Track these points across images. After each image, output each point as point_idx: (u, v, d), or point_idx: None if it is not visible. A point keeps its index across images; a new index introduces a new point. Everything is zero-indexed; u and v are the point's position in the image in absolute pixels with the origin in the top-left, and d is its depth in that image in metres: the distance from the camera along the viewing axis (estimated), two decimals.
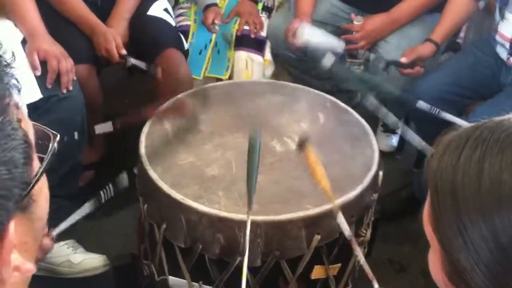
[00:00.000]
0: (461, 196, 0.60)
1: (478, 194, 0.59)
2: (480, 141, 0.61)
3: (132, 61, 1.91)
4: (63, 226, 1.20)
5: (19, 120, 0.51)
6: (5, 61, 0.51)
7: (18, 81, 0.52)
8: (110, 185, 1.32)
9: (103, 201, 1.29)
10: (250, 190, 1.17)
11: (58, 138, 0.57)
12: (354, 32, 2.13)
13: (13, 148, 0.49)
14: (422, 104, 1.66)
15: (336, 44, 1.99)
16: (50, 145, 0.57)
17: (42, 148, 0.56)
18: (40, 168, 0.54)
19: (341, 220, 1.20)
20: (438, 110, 1.60)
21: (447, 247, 0.63)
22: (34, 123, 0.56)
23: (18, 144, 0.49)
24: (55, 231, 1.16)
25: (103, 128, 1.51)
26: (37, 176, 0.53)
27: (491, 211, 0.58)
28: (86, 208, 1.26)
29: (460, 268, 0.61)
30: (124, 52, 1.92)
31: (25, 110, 1.59)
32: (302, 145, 1.25)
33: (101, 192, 1.30)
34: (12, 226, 0.49)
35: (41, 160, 0.55)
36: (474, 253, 0.60)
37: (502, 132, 0.61)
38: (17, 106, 0.51)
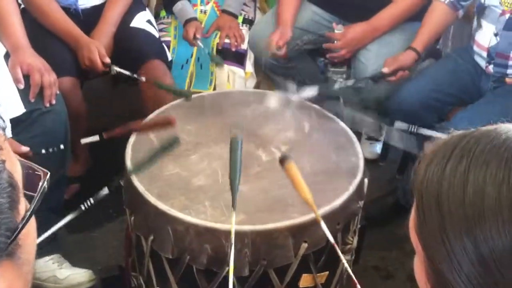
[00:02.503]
0: (446, 207, 0.60)
1: (462, 206, 0.59)
2: (465, 152, 0.61)
3: (116, 69, 1.92)
4: (43, 236, 1.20)
5: (2, 162, 0.47)
6: None
7: (3, 119, 0.49)
8: (91, 199, 1.33)
9: (83, 209, 1.30)
10: (234, 193, 1.19)
11: (48, 176, 0.54)
12: (335, 41, 2.16)
13: None
14: (399, 125, 1.67)
15: (307, 93, 1.81)
16: (40, 183, 0.53)
17: (30, 186, 0.53)
18: (27, 211, 0.50)
19: (325, 228, 1.21)
20: (416, 128, 1.60)
21: (431, 256, 0.63)
22: (22, 160, 0.53)
23: (1, 189, 0.46)
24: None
25: (89, 139, 1.52)
26: (25, 220, 0.49)
27: (474, 223, 0.58)
28: (66, 219, 1.27)
29: (443, 277, 0.61)
30: (108, 60, 1.93)
31: (8, 125, 1.58)
32: (283, 161, 1.26)
33: (82, 206, 1.31)
34: None
35: (28, 198, 0.52)
36: (456, 264, 0.60)
37: (488, 143, 0.61)
38: (0, 147, 0.48)
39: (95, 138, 1.50)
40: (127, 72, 1.91)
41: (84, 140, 1.53)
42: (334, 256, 1.33)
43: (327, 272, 1.40)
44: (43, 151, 1.44)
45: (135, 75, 1.90)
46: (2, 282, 0.47)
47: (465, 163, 0.60)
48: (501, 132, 0.62)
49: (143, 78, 1.90)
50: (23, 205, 0.51)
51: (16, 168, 0.51)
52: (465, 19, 2.11)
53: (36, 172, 0.54)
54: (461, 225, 0.59)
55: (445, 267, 0.61)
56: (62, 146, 1.58)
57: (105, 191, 1.35)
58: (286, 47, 2.11)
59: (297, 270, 1.32)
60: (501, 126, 0.64)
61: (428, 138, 1.73)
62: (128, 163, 1.41)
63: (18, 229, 0.48)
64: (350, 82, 1.90)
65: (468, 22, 2.09)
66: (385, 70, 1.96)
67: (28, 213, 0.50)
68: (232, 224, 1.17)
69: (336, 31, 2.15)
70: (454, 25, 2.26)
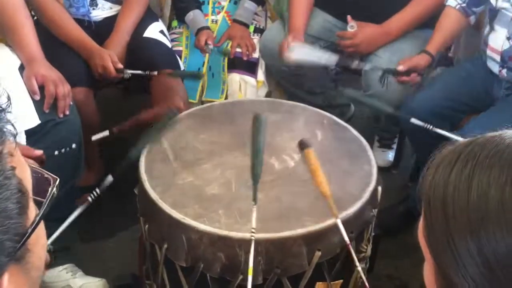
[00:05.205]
0: (451, 211, 0.62)
1: (467, 210, 0.60)
2: (470, 157, 0.63)
3: (129, 72, 1.94)
4: (55, 235, 1.21)
5: (13, 168, 0.48)
6: (0, 107, 0.49)
7: (14, 126, 0.50)
8: (96, 189, 1.34)
9: (91, 201, 1.34)
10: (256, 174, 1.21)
11: (57, 181, 0.55)
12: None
13: (6, 198, 0.47)
14: (415, 121, 1.67)
15: (328, 59, 2.02)
16: (50, 189, 0.54)
17: (40, 191, 0.54)
18: (37, 216, 0.51)
19: (339, 224, 1.21)
20: (431, 126, 1.61)
21: (439, 261, 0.64)
22: (33, 166, 0.54)
23: (11, 194, 0.47)
24: (48, 241, 1.16)
25: (99, 135, 1.52)
26: (34, 225, 0.50)
27: (478, 226, 0.59)
28: (76, 213, 1.28)
29: (451, 282, 0.62)
30: (120, 66, 1.95)
31: (23, 137, 1.59)
32: (302, 146, 1.26)
33: (89, 198, 1.34)
34: (5, 280, 0.47)
35: (38, 204, 0.53)
36: (462, 267, 0.60)
37: (492, 148, 0.63)
38: (11, 154, 0.49)
39: (105, 133, 1.50)
40: (139, 72, 1.94)
41: (94, 137, 1.53)
42: (348, 264, 1.33)
43: (341, 280, 1.39)
44: (56, 152, 1.44)
45: (147, 72, 1.94)
46: (9, 286, 0.48)
47: (469, 167, 0.62)
48: (505, 138, 0.64)
49: (155, 72, 1.93)
50: (32, 211, 0.51)
51: (26, 174, 0.52)
52: (475, 26, 2.11)
53: (46, 178, 0.55)
54: (466, 227, 0.60)
55: (451, 270, 0.62)
56: (74, 145, 1.57)
57: (109, 179, 1.36)
58: None
59: (311, 278, 1.32)
60: (506, 132, 0.65)
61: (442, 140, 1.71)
62: (142, 171, 1.42)
63: (28, 234, 0.49)
64: (368, 67, 1.99)
65: (479, 28, 2.09)
66: (400, 68, 1.96)
67: (38, 217, 0.51)
68: (253, 220, 1.16)
69: (349, 29, 2.15)
70: (465, 33, 2.26)
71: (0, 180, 0.46)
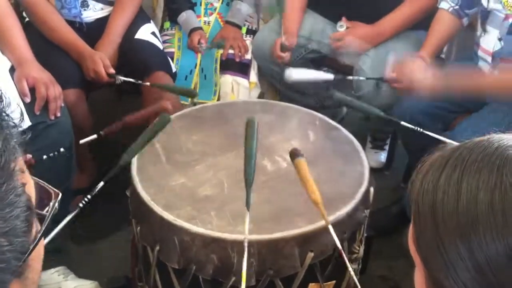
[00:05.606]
0: (440, 215, 0.62)
1: (456, 214, 0.60)
2: (459, 162, 0.63)
3: (121, 78, 1.93)
4: (45, 241, 1.20)
5: (23, 185, 0.48)
6: (13, 122, 0.49)
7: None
8: (88, 196, 1.33)
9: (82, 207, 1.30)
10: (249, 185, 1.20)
11: (59, 197, 0.55)
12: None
13: (16, 216, 0.46)
14: (405, 123, 1.67)
15: (325, 75, 2.03)
16: (51, 204, 0.54)
17: (40, 204, 0.53)
18: (38, 232, 0.51)
19: (331, 229, 1.21)
20: (421, 130, 1.60)
21: (429, 267, 0.64)
22: (36, 179, 0.54)
23: (20, 212, 0.47)
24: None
25: (88, 139, 1.52)
26: (36, 242, 0.50)
27: (468, 230, 0.59)
28: (67, 219, 1.27)
29: (442, 287, 0.62)
30: (112, 70, 1.94)
31: None
32: (293, 155, 1.26)
33: (80, 204, 1.31)
34: None
35: (38, 216, 0.52)
36: (453, 272, 0.60)
37: (480, 152, 0.63)
38: (22, 170, 0.49)
39: (93, 136, 1.50)
40: (131, 80, 1.93)
41: (82, 141, 1.53)
42: (340, 265, 1.33)
43: (334, 281, 1.39)
44: (45, 156, 1.43)
45: (139, 81, 1.92)
46: None
47: (458, 172, 0.62)
48: (493, 141, 0.64)
49: (148, 83, 1.92)
50: (35, 226, 0.51)
51: (32, 190, 0.52)
52: (469, 28, 2.12)
53: (46, 190, 0.55)
54: (456, 232, 0.60)
55: (442, 276, 0.62)
56: (62, 149, 1.56)
57: (100, 185, 1.35)
58: (290, 54, 2.11)
59: (303, 279, 1.32)
60: (493, 136, 0.65)
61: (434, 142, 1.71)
62: (134, 173, 1.42)
63: (29, 251, 0.49)
64: (362, 78, 2.01)
65: (472, 30, 2.10)
66: (394, 75, 1.96)
67: (39, 235, 0.51)
68: (246, 226, 1.16)
69: (338, 29, 2.15)
70: (457, 35, 2.26)
71: (11, 198, 0.46)
